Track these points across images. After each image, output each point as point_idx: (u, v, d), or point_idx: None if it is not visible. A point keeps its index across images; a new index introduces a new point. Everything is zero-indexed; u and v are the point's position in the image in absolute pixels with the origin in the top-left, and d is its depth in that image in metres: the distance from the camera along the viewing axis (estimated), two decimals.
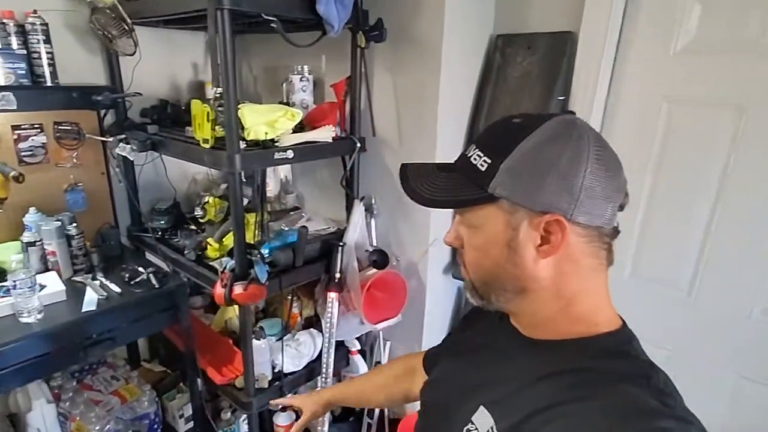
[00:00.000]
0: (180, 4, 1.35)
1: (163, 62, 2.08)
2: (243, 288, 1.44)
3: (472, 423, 0.66)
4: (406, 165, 0.72)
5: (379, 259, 1.77)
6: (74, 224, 1.74)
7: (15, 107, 1.54)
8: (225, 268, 1.58)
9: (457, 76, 1.62)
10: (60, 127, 1.80)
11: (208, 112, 1.46)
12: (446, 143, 1.65)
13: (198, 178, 2.28)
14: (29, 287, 1.42)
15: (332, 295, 1.77)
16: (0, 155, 1.69)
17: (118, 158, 1.91)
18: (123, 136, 1.76)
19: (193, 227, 2.02)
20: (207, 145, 1.47)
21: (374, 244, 1.88)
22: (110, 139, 1.77)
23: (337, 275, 1.75)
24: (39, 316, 1.45)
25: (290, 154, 1.53)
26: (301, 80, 1.82)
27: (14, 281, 1.39)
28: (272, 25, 1.37)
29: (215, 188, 2.23)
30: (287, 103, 1.86)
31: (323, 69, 1.91)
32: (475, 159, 0.63)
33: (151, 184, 2.11)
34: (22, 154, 1.75)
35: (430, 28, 1.52)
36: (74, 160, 1.87)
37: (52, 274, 1.64)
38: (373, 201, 1.86)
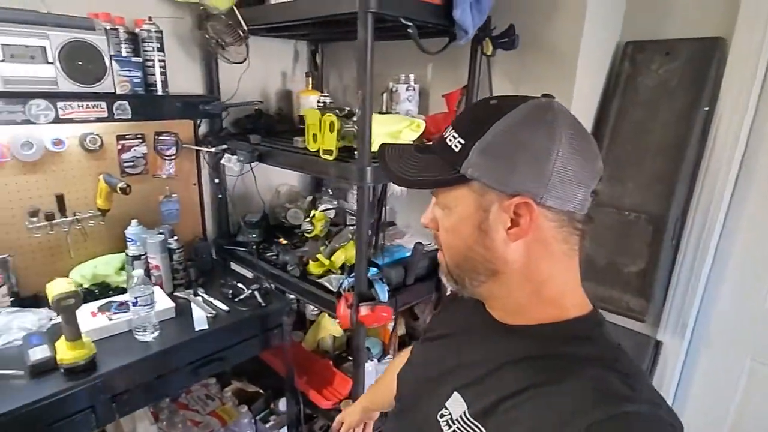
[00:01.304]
0: (320, 8, 1.27)
1: (255, 71, 2.02)
2: (370, 309, 1.35)
3: (446, 408, 0.66)
4: (386, 145, 0.73)
5: None
6: (175, 237, 1.68)
7: (129, 116, 1.48)
8: (342, 287, 1.49)
9: (586, 87, 1.53)
10: (160, 137, 1.75)
11: (332, 122, 1.39)
12: None
13: (282, 190, 2.21)
14: (148, 304, 1.35)
15: None
16: (105, 166, 1.65)
17: (215, 169, 1.86)
18: (225, 146, 1.71)
19: (284, 241, 1.95)
20: (330, 157, 1.40)
21: None
22: (212, 149, 1.71)
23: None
24: (155, 335, 1.38)
25: None
26: (407, 89, 1.74)
27: (136, 297, 1.32)
28: (408, 30, 1.30)
29: (300, 200, 2.16)
30: (389, 114, 1.78)
31: (429, 78, 1.83)
32: (450, 140, 0.62)
33: (237, 195, 2.05)
34: (125, 164, 1.70)
35: (566, 35, 1.43)
36: (170, 171, 1.82)
37: (156, 289, 1.58)
38: None
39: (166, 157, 1.78)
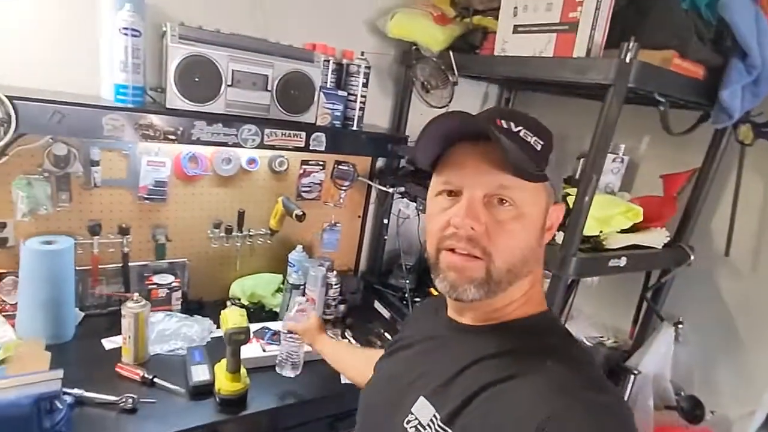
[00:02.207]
0: (564, 73, 1.11)
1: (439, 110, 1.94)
2: None
3: (411, 413, 0.64)
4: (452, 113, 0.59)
5: (690, 408, 1.35)
6: (334, 272, 1.63)
7: (323, 149, 1.46)
8: None
9: None
10: (339, 167, 1.73)
11: None
12: None
13: None
14: (300, 341, 1.30)
15: None
16: (284, 188, 1.67)
17: (384, 208, 1.80)
18: (402, 189, 1.63)
19: (435, 293, 1.81)
20: None
21: (670, 378, 1.47)
22: (390, 190, 1.64)
23: None
24: (297, 372, 1.32)
25: (623, 261, 1.22)
26: (613, 161, 1.52)
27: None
28: (660, 107, 1.09)
29: None
30: (578, 180, 1.57)
31: (641, 150, 1.58)
32: (526, 136, 0.61)
33: (393, 234, 1.97)
34: (302, 189, 1.71)
35: None
36: (340, 201, 1.80)
37: None
38: (680, 325, 1.46)
39: (341, 187, 1.76)
